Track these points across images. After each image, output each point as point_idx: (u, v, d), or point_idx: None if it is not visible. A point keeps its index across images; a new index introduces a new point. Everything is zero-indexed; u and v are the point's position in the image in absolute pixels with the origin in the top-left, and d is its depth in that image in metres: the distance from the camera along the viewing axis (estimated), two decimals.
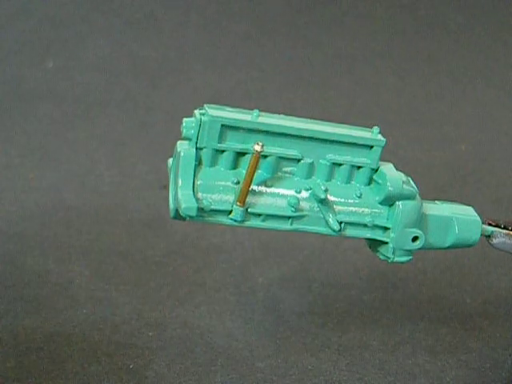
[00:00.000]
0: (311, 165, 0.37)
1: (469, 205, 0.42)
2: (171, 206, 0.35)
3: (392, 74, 0.93)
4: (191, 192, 0.34)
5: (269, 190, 0.36)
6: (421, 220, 0.39)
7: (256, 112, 0.35)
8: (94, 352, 0.41)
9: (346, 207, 0.37)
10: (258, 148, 0.34)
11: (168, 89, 0.82)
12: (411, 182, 0.39)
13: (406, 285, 0.51)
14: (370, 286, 0.50)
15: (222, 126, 0.34)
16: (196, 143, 0.35)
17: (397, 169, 0.38)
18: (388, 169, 0.38)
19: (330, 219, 0.37)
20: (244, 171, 0.35)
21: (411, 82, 0.91)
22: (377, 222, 0.38)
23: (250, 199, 0.35)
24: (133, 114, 0.73)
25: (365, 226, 0.38)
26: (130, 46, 0.87)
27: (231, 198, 0.35)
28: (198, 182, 0.34)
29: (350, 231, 0.38)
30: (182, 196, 0.34)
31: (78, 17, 0.84)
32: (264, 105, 0.79)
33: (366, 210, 0.38)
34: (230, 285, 0.49)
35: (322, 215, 0.37)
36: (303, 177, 0.37)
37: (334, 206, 0.37)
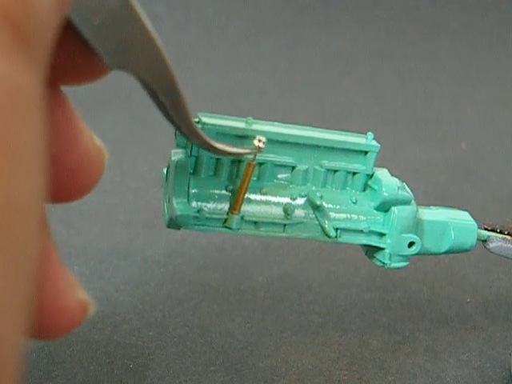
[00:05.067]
0: (306, 171, 0.37)
1: (464, 210, 0.42)
2: (166, 215, 0.35)
3: (392, 73, 0.93)
4: (186, 200, 0.34)
5: (264, 197, 0.36)
6: (417, 225, 0.39)
7: (250, 119, 0.35)
8: (93, 352, 0.41)
9: (341, 213, 0.37)
10: (260, 144, 0.33)
11: None
12: (406, 187, 0.39)
13: (406, 284, 0.50)
14: (370, 285, 0.50)
15: (216, 133, 0.34)
16: (190, 151, 0.34)
17: (391, 174, 0.38)
18: (383, 174, 0.38)
19: (326, 226, 0.37)
20: (239, 179, 0.35)
21: (411, 81, 0.91)
22: (373, 228, 0.38)
23: (244, 207, 0.35)
24: (133, 113, 0.72)
25: (360, 232, 0.38)
26: None
27: (226, 206, 0.35)
28: (193, 191, 0.34)
29: (345, 237, 0.38)
30: (176, 205, 0.33)
31: None
32: (263, 105, 0.80)
33: (362, 216, 0.38)
34: (230, 284, 0.49)
35: (317, 222, 0.37)
36: (298, 184, 0.37)
37: (330, 213, 0.37)
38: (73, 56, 0.23)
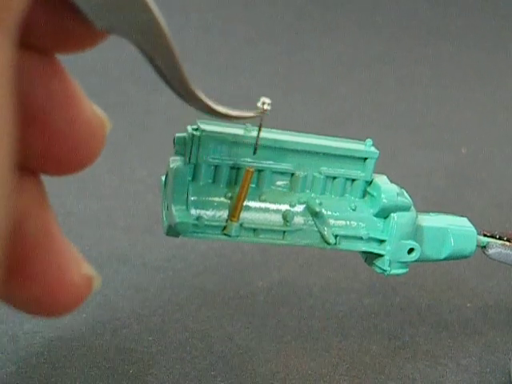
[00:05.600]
0: (305, 178, 0.37)
1: (464, 215, 0.42)
2: (164, 222, 0.35)
3: (391, 78, 0.93)
4: (185, 208, 0.34)
5: (263, 204, 0.36)
6: (416, 232, 0.39)
7: (248, 126, 0.35)
8: (93, 357, 0.41)
9: (340, 220, 0.37)
10: (265, 106, 0.33)
11: (167, 92, 0.82)
12: (405, 193, 0.39)
13: (406, 289, 0.50)
14: (370, 290, 0.50)
15: (215, 140, 0.34)
16: (189, 159, 0.34)
17: (391, 180, 0.38)
18: (382, 181, 0.38)
19: (326, 233, 0.37)
20: (238, 186, 0.34)
21: (411, 86, 0.91)
22: (372, 235, 0.38)
23: (243, 214, 0.35)
24: (132, 117, 0.72)
25: (360, 238, 0.37)
26: (129, 50, 0.87)
27: (225, 213, 0.35)
28: (192, 198, 0.34)
29: (345, 244, 0.37)
30: (175, 212, 0.33)
31: None
32: None
33: (361, 222, 0.38)
34: (230, 289, 0.49)
35: (316, 229, 0.37)
36: (297, 190, 0.37)
37: (329, 220, 0.37)
38: (64, 23, 0.22)
